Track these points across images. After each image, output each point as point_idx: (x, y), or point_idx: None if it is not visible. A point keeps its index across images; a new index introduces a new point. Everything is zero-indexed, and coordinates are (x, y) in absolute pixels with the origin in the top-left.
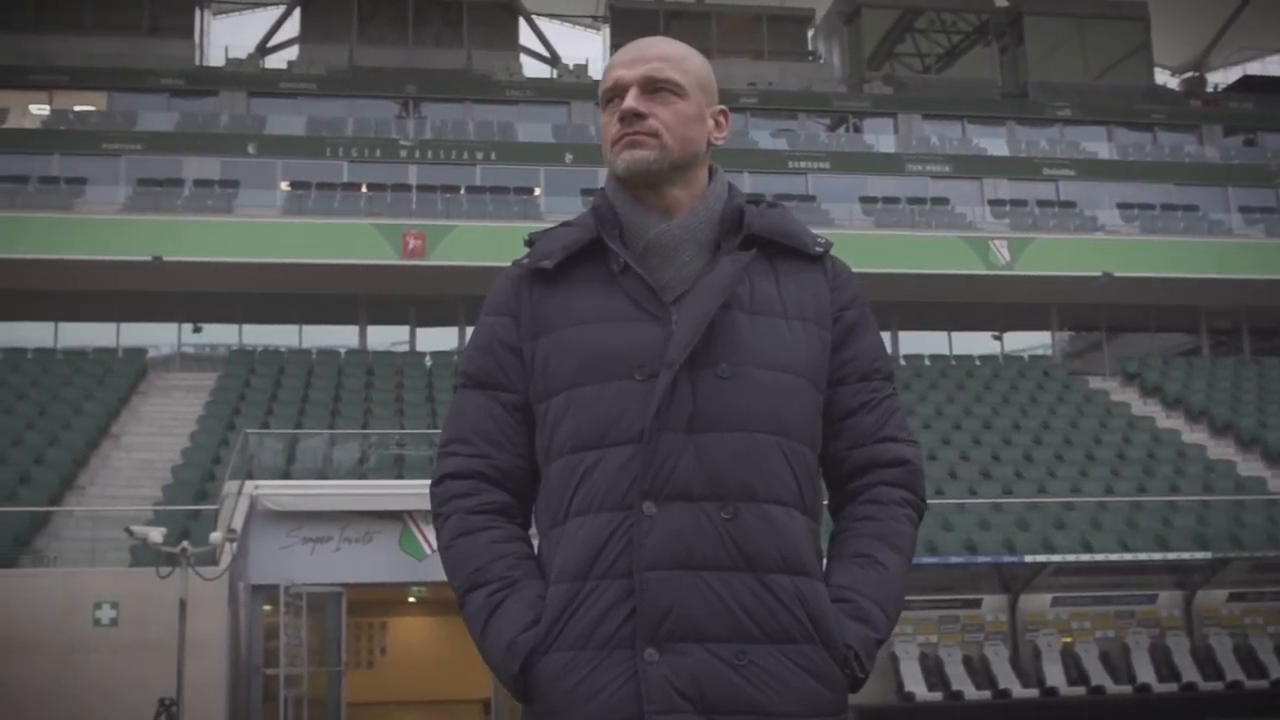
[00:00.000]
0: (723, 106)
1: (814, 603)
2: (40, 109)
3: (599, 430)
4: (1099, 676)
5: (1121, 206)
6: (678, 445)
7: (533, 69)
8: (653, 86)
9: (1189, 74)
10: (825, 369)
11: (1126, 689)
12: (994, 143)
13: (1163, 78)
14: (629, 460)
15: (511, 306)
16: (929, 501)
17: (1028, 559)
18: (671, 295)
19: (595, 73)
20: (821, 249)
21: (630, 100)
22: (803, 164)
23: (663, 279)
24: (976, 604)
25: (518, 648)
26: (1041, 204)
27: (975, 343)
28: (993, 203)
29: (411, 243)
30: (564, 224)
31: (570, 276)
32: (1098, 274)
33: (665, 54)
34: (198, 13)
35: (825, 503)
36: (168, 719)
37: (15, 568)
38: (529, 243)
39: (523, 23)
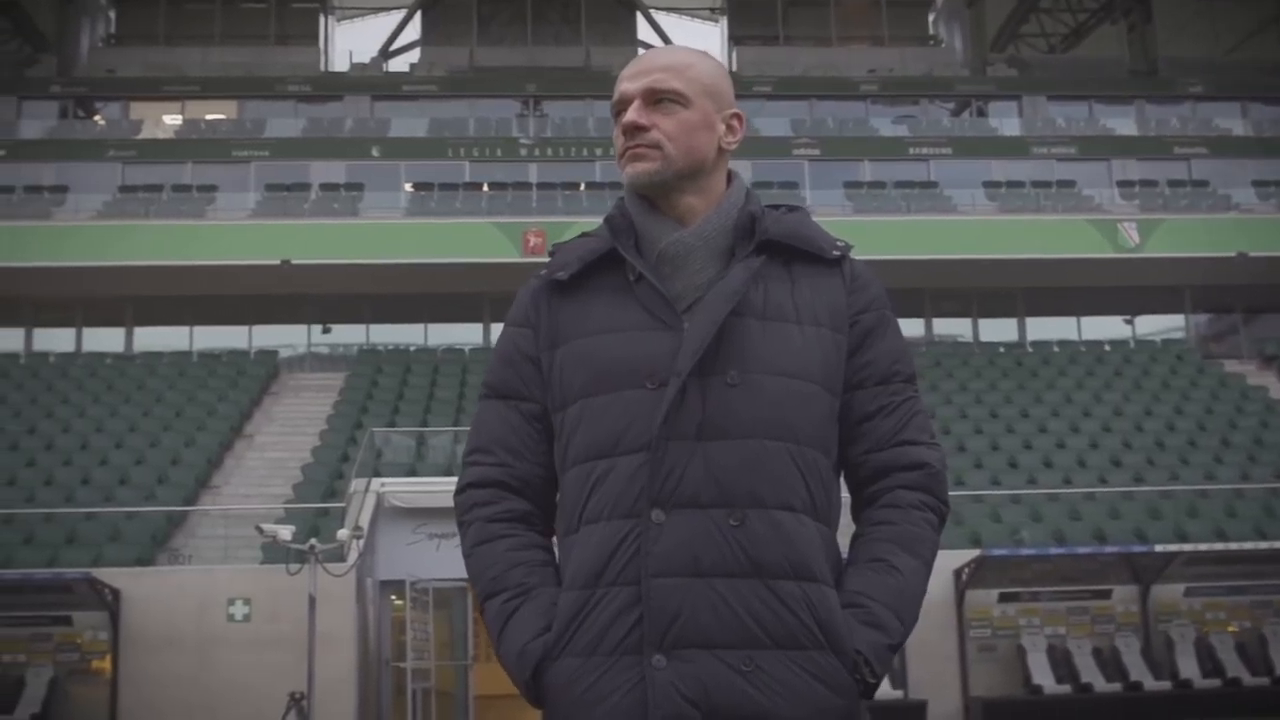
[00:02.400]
0: (736, 110)
1: (822, 609)
2: (173, 119)
3: (611, 439)
4: (1235, 668)
5: (1257, 184)
6: (686, 453)
7: None
8: (655, 98)
9: None
10: (840, 373)
11: (1264, 680)
12: (1122, 122)
13: None
14: (639, 469)
15: (530, 318)
16: (1058, 491)
17: (1159, 548)
18: (684, 304)
19: None
20: (839, 253)
21: (631, 113)
22: (924, 150)
23: (675, 288)
24: (1106, 595)
25: (528, 654)
26: (1172, 184)
27: (1105, 327)
28: (1121, 184)
29: (533, 240)
30: (584, 235)
31: (587, 287)
32: (1233, 254)
33: (668, 64)
34: (322, 20)
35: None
36: (298, 713)
37: (153, 566)
38: (551, 253)
39: (640, 17)
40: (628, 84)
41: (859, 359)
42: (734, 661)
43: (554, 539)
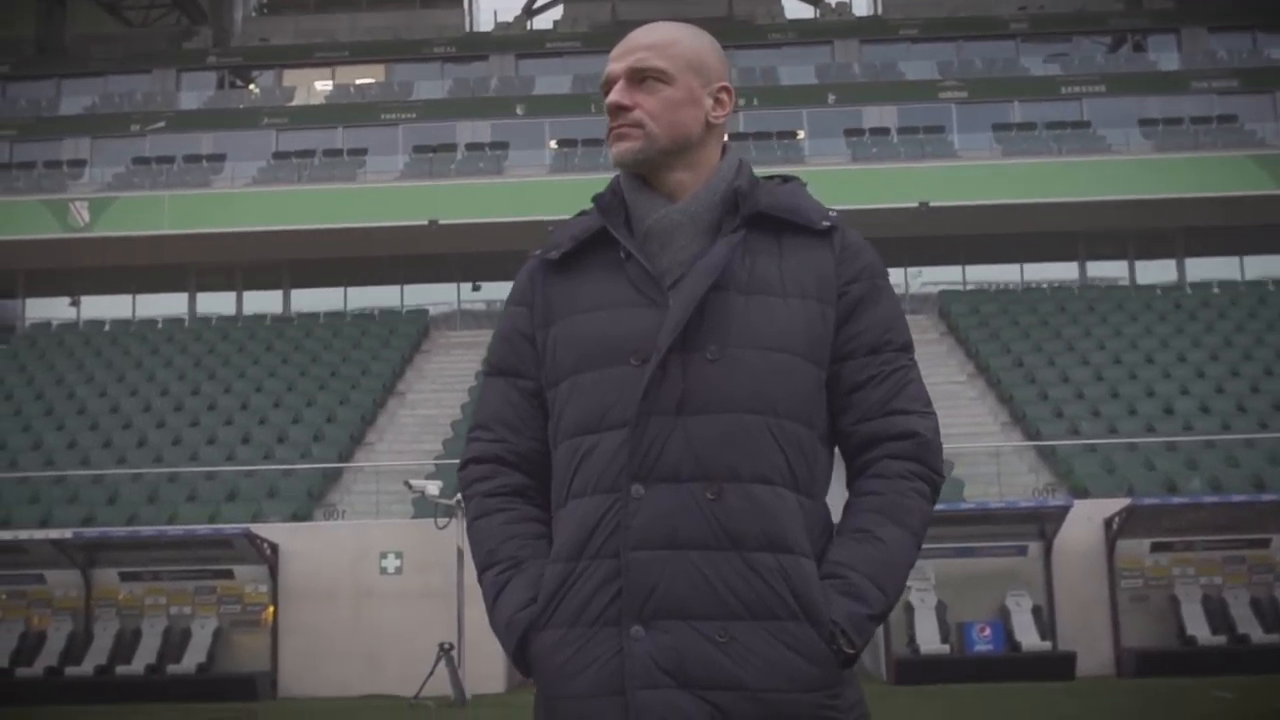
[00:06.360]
0: (724, 83)
1: (798, 580)
2: (324, 85)
3: (597, 415)
4: None
5: None
6: (666, 428)
7: (794, 10)
8: (639, 77)
9: None
10: (827, 345)
11: None
12: None
13: None
14: (622, 444)
15: (527, 296)
16: (1215, 437)
17: None
18: (670, 280)
19: (859, 9)
20: (829, 224)
21: (614, 94)
22: (1076, 88)
23: (662, 264)
24: (1264, 544)
25: (515, 625)
26: None
27: (1269, 266)
28: None
29: None
30: (580, 213)
31: (580, 265)
32: None
33: (651, 42)
34: None
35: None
36: (448, 662)
37: (309, 521)
38: (550, 231)
39: None
40: (613, 64)
41: (849, 329)
42: (710, 632)
43: None
